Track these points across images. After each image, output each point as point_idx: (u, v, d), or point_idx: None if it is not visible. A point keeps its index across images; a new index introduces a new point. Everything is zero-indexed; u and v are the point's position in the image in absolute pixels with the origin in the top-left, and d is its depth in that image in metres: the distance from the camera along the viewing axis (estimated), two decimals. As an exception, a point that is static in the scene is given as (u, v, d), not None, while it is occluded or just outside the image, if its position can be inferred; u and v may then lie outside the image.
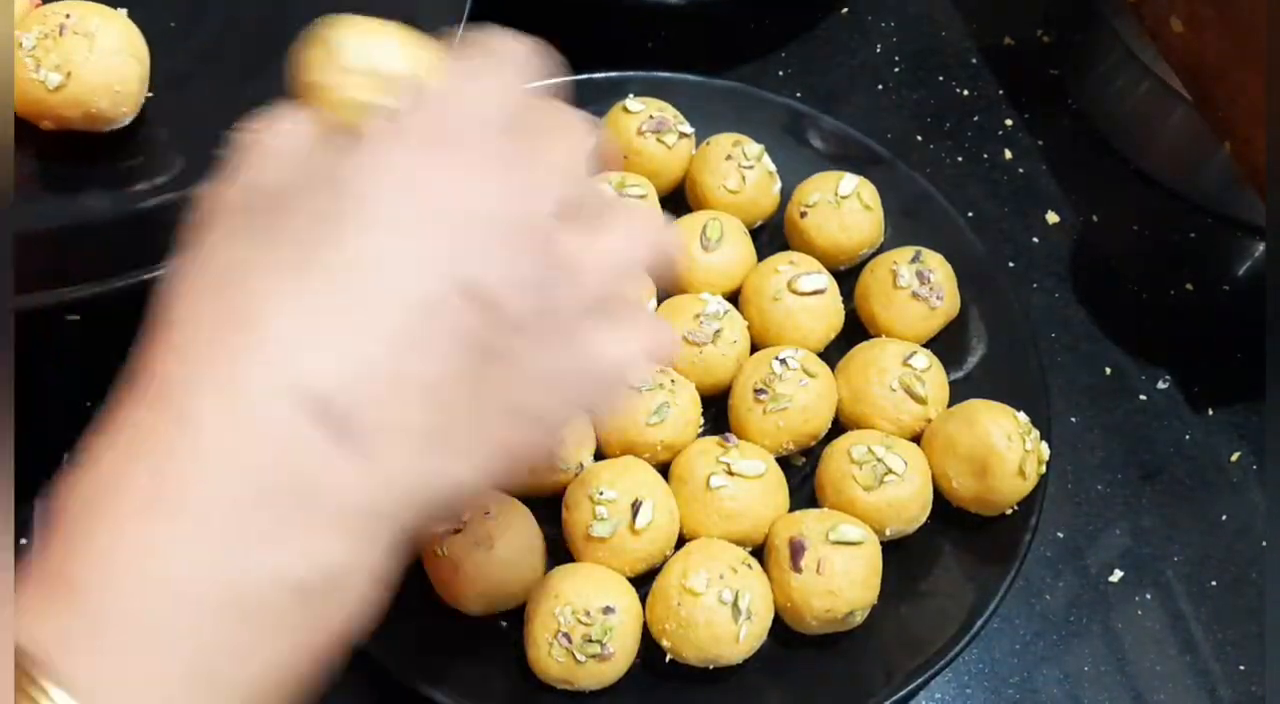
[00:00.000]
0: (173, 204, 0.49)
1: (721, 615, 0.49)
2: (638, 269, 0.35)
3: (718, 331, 0.56)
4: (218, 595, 0.27)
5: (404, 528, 0.30)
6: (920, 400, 0.56)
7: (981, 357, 0.60)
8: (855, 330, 0.60)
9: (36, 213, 0.49)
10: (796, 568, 0.51)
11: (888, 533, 0.53)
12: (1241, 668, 0.56)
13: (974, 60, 0.75)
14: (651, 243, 0.35)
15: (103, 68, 0.50)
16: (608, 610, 0.49)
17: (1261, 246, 0.68)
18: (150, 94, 0.53)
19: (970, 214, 0.68)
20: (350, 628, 0.29)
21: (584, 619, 0.48)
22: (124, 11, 0.53)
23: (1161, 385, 0.64)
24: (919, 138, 0.71)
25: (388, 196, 0.30)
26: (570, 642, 0.48)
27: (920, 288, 0.58)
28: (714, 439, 0.55)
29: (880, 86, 0.73)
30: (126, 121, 0.52)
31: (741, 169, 0.61)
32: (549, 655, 0.49)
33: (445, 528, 0.50)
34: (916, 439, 0.56)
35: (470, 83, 0.32)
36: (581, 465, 0.54)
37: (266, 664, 0.28)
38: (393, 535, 0.30)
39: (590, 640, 0.48)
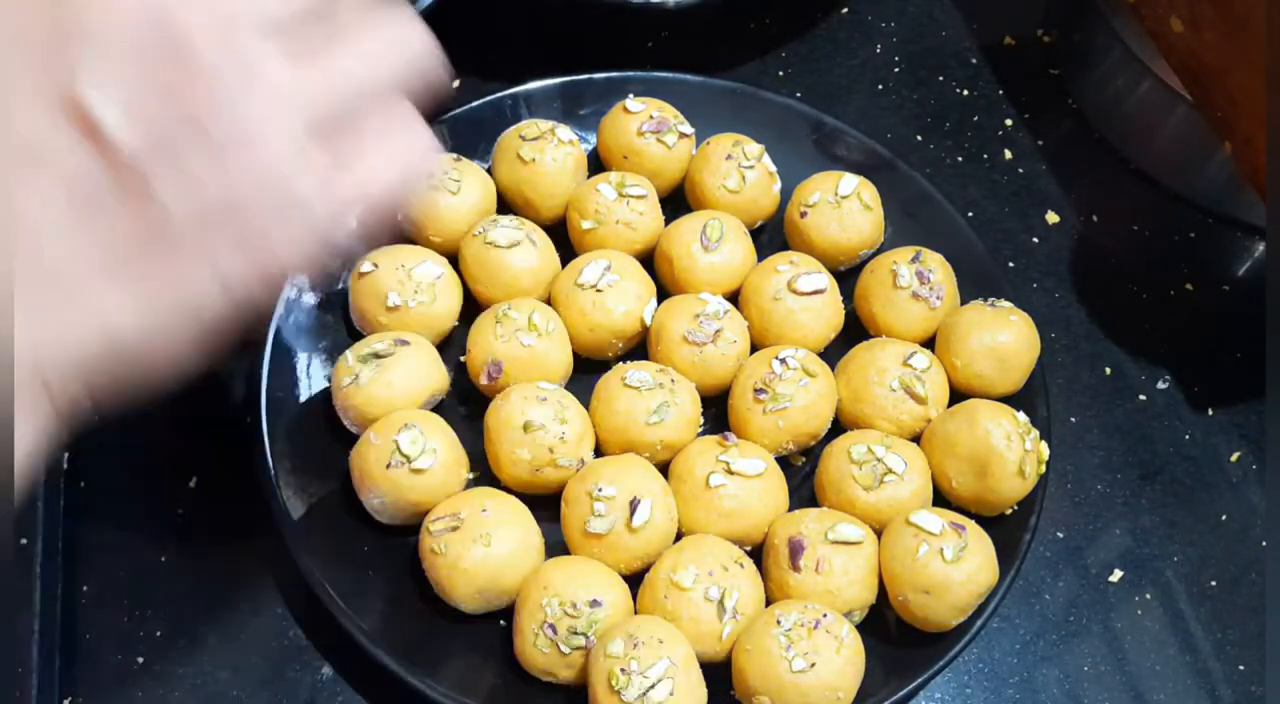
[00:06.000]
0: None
1: (706, 612, 0.49)
2: (379, 89, 0.32)
3: (718, 331, 0.56)
4: None
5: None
6: (920, 400, 0.56)
7: (981, 356, 0.60)
8: (855, 330, 0.60)
9: None
10: (795, 567, 0.51)
11: (887, 532, 0.53)
12: (1241, 668, 0.56)
13: (974, 60, 0.75)
14: (398, 61, 0.32)
15: None
16: (594, 603, 0.49)
17: (1261, 246, 0.68)
18: None
19: (970, 214, 0.68)
20: None
21: (570, 611, 0.48)
22: None
23: (1161, 385, 0.64)
24: (919, 138, 0.71)
25: None
26: (555, 633, 0.48)
27: (920, 288, 0.58)
28: (714, 438, 0.55)
29: (880, 86, 0.73)
30: None
31: (741, 169, 0.61)
32: (534, 646, 0.49)
33: (446, 527, 0.50)
34: (916, 439, 0.56)
35: None
36: (582, 461, 0.54)
37: None
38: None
39: (575, 633, 0.48)
